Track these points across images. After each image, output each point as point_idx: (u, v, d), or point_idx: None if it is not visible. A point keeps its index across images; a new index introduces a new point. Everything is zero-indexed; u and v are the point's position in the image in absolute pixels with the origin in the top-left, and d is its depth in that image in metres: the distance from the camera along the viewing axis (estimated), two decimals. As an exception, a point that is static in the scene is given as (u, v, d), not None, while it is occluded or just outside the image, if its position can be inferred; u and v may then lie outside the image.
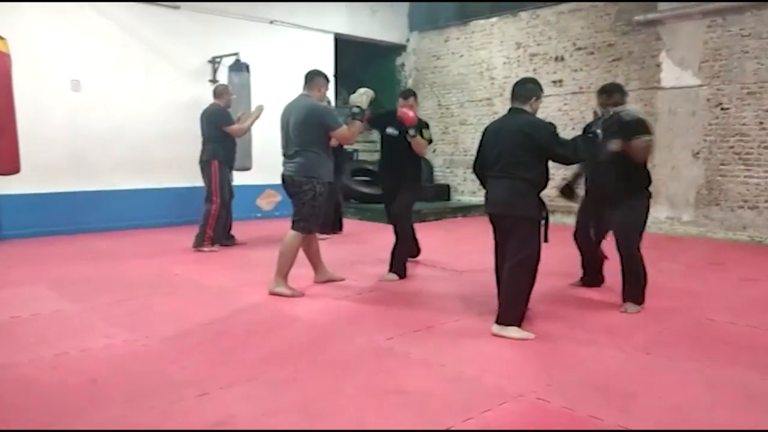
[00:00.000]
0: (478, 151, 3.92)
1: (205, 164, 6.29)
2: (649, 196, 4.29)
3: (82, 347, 3.34)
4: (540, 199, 3.65)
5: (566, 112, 8.82)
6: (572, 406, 2.63)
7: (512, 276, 3.60)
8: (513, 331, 3.56)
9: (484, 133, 3.89)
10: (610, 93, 4.33)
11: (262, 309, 4.20)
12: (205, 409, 2.57)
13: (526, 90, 3.75)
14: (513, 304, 3.61)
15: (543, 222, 3.66)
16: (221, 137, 6.28)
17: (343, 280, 4.97)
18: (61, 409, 2.56)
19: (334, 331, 3.73)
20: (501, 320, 3.60)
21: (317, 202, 4.50)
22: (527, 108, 3.72)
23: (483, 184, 3.93)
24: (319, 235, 6.61)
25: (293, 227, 4.56)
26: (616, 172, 4.15)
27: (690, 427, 2.47)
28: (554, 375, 3.01)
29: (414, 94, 5.17)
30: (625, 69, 8.12)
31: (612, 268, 4.43)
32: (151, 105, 7.89)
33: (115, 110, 7.63)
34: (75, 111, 7.35)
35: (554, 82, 8.83)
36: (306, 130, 4.43)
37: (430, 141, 5.20)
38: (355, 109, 4.53)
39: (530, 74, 9.12)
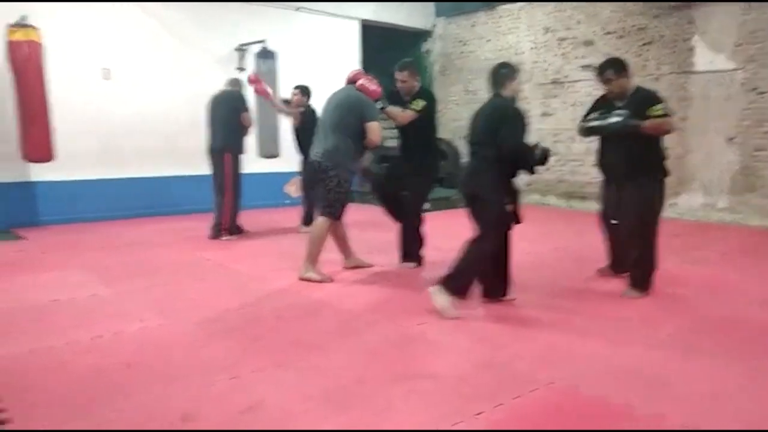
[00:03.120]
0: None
1: (217, 155, 6.19)
2: (663, 176, 4.20)
3: (117, 330, 3.40)
4: (503, 180, 3.70)
5: (596, 96, 8.62)
6: (605, 394, 2.61)
7: (468, 249, 3.71)
8: (443, 299, 3.64)
9: (472, 117, 3.98)
10: (601, 70, 4.22)
11: (291, 295, 4.23)
12: (238, 393, 2.60)
13: (499, 76, 3.85)
14: (458, 274, 3.67)
15: (507, 204, 3.72)
16: (235, 125, 6.21)
17: (371, 266, 4.98)
18: (94, 392, 2.62)
19: (363, 316, 3.74)
20: (441, 281, 3.70)
21: (342, 188, 4.53)
22: (505, 92, 3.81)
23: None
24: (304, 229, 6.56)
25: (321, 213, 4.59)
26: (625, 151, 4.11)
27: (727, 418, 2.42)
28: (585, 362, 2.98)
29: (409, 67, 4.94)
30: (656, 53, 7.94)
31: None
32: (179, 93, 7.97)
33: (144, 98, 7.73)
34: (105, 99, 7.47)
35: (583, 66, 8.67)
36: (347, 115, 4.50)
37: (420, 111, 4.82)
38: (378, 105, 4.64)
39: (558, 59, 9.01)
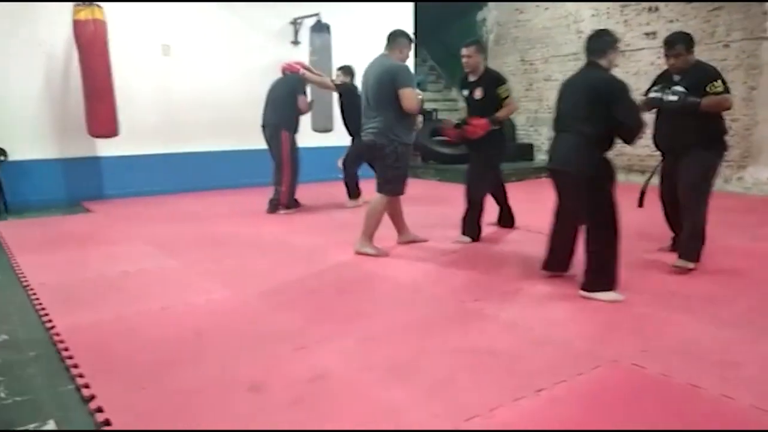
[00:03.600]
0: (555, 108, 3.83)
1: (273, 131, 6.26)
2: (723, 149, 4.09)
3: (186, 302, 3.55)
4: (605, 158, 3.52)
5: (660, 66, 8.25)
6: (670, 373, 2.57)
7: (593, 239, 3.51)
8: (601, 295, 3.49)
9: (559, 89, 3.80)
10: (671, 44, 4.06)
11: (349, 268, 4.31)
12: (304, 362, 2.69)
13: (602, 42, 3.61)
14: (599, 268, 3.52)
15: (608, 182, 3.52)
16: (291, 105, 6.26)
17: (426, 241, 5.00)
18: (169, 359, 2.74)
19: (421, 291, 3.78)
20: (587, 286, 3.54)
21: (400, 163, 4.51)
22: (603, 62, 3.57)
23: None
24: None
25: (379, 190, 4.61)
26: (682, 124, 3.99)
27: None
28: (648, 341, 2.94)
29: (476, 43, 4.88)
30: (727, 18, 7.56)
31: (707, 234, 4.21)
32: (236, 68, 8.09)
33: (203, 74, 7.88)
34: (166, 75, 7.65)
35: (647, 34, 8.36)
36: (383, 90, 4.41)
37: (506, 99, 4.86)
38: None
39: (621, 26, 8.67)
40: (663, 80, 4.19)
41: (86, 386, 2.46)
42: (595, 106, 3.42)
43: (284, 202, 6.36)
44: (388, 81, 4.37)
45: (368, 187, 6.87)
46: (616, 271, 3.54)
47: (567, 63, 9.48)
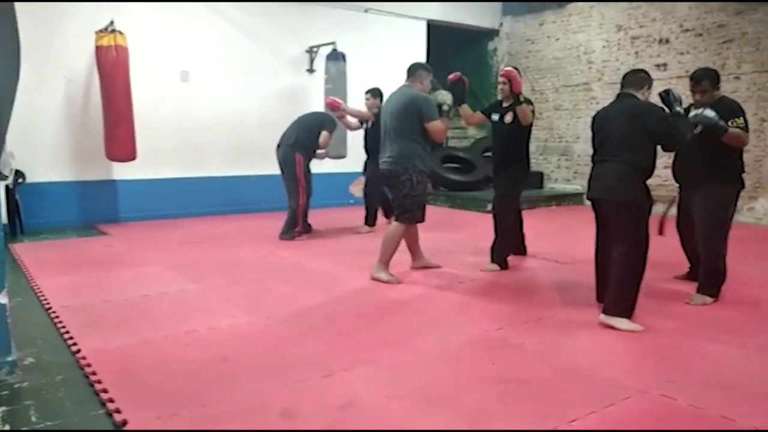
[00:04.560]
0: (592, 140, 3.86)
1: (288, 151, 6.25)
2: (740, 186, 4.12)
3: (209, 326, 3.55)
4: (645, 185, 3.57)
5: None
6: (700, 405, 2.56)
7: (619, 265, 3.54)
8: (621, 322, 3.49)
9: (593, 121, 3.86)
10: (698, 80, 4.11)
11: (368, 294, 4.32)
12: (333, 390, 2.68)
13: (639, 78, 3.76)
14: (621, 294, 3.54)
15: (648, 210, 3.57)
16: (314, 135, 6.29)
17: (439, 267, 5.01)
18: (198, 384, 2.74)
19: (441, 318, 3.78)
20: (608, 310, 3.55)
21: (417, 191, 4.55)
22: (639, 95, 3.69)
23: None
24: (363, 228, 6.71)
25: (397, 219, 4.64)
26: (702, 154, 4.03)
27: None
28: (676, 371, 2.93)
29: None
30: (737, 51, 7.65)
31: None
32: (252, 94, 8.19)
33: (220, 99, 7.98)
34: (183, 101, 7.74)
35: (658, 65, 8.43)
36: (405, 119, 4.48)
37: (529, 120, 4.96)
38: (444, 107, 4.59)
39: (631, 57, 8.78)
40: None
41: (117, 411, 2.47)
42: (639, 132, 3.51)
43: (298, 227, 6.36)
44: (414, 112, 4.45)
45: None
46: (635, 300, 3.55)
47: (577, 93, 9.58)
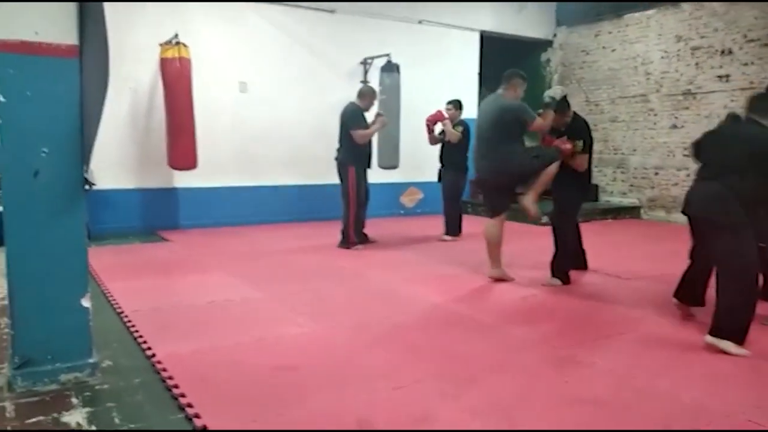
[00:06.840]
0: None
1: (341, 167, 6.31)
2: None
3: (277, 334, 3.60)
4: (744, 206, 3.41)
5: (733, 109, 8.13)
6: (792, 432, 2.46)
7: (724, 287, 3.39)
8: (728, 345, 3.34)
9: (705, 137, 3.77)
10: (752, 102, 3.76)
11: (428, 305, 4.32)
12: (405, 403, 2.67)
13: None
14: (728, 316, 3.38)
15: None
16: (351, 140, 6.27)
17: (513, 280, 4.98)
18: (273, 392, 2.78)
19: (508, 333, 3.73)
20: (714, 331, 3.39)
21: (525, 165, 4.71)
22: (765, 122, 3.52)
23: None
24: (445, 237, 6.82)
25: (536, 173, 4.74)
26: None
27: None
28: (762, 396, 2.82)
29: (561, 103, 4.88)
30: (807, 62, 7.39)
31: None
32: (308, 105, 8.30)
33: (277, 110, 8.11)
34: (242, 111, 7.90)
35: (720, 77, 8.21)
36: (503, 126, 4.61)
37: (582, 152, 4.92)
38: (548, 99, 4.71)
39: (692, 68, 8.56)
40: None
41: (197, 416, 2.51)
42: (751, 160, 3.37)
43: (350, 234, 6.39)
44: (511, 118, 4.58)
45: (434, 222, 6.96)
46: (747, 323, 3.37)
47: (634, 104, 9.39)
